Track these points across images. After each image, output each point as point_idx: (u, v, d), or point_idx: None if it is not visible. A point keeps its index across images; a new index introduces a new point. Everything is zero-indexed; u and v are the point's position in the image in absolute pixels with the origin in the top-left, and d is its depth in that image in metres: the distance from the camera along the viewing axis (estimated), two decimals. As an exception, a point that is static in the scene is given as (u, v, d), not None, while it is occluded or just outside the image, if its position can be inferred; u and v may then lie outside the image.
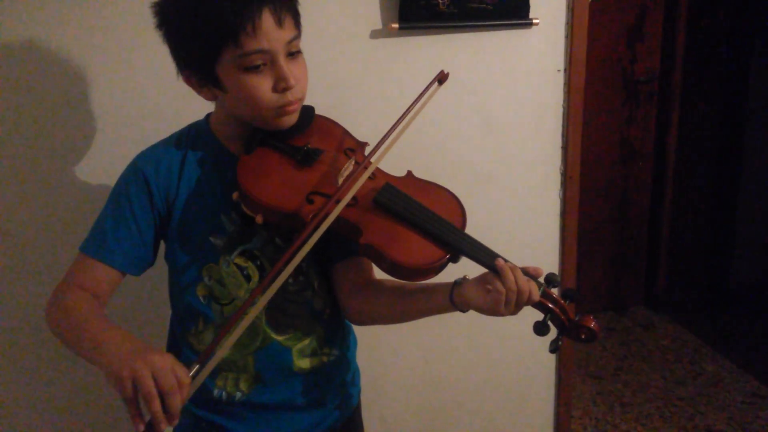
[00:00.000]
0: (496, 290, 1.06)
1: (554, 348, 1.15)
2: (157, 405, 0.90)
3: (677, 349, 3.37)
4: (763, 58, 3.58)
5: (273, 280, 1.02)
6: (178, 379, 0.92)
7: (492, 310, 1.09)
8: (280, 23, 1.08)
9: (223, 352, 1.01)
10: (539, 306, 1.12)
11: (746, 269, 3.86)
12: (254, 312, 1.02)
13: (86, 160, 1.60)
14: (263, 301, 1.03)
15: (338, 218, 1.10)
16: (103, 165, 1.59)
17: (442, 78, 1.29)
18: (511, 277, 1.07)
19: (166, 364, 0.92)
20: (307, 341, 1.27)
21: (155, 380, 0.90)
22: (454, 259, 1.14)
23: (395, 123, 1.19)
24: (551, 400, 2.30)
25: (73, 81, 1.55)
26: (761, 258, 3.86)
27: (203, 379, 0.98)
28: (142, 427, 0.91)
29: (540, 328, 1.13)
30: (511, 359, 2.20)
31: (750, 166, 3.73)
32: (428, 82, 1.27)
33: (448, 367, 2.13)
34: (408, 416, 2.13)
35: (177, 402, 0.91)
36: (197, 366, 0.97)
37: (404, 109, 1.22)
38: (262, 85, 1.10)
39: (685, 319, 3.63)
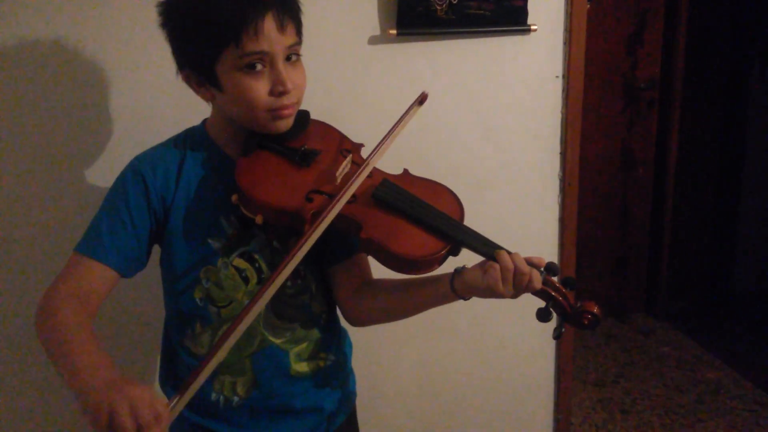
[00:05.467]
0: (495, 269, 1.09)
1: (557, 335, 1.18)
2: None
3: (678, 357, 3.36)
4: (764, 65, 3.58)
5: (275, 279, 1.04)
6: (156, 412, 0.88)
7: (491, 289, 1.10)
8: (282, 28, 1.10)
9: (204, 376, 0.99)
10: (541, 293, 1.15)
11: (748, 277, 3.86)
12: (254, 313, 1.03)
13: (89, 163, 1.60)
14: (263, 301, 1.04)
15: (339, 215, 1.11)
16: (106, 167, 1.59)
17: (422, 99, 1.31)
18: (509, 258, 1.10)
19: (145, 397, 0.88)
20: (304, 345, 1.28)
21: (133, 414, 0.86)
22: (455, 251, 1.16)
23: (375, 148, 1.21)
24: (550, 407, 2.29)
25: (78, 83, 1.56)
26: (763, 265, 3.85)
27: (181, 408, 0.96)
28: None
29: (543, 315, 1.15)
30: (509, 365, 2.19)
31: (751, 172, 3.74)
32: (409, 104, 1.29)
33: (445, 373, 2.13)
34: (404, 422, 2.12)
35: None
36: (177, 398, 0.96)
37: (393, 122, 1.25)
38: (259, 87, 1.12)
39: (687, 326, 3.63)
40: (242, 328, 1.02)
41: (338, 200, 1.11)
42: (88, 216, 1.22)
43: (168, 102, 1.57)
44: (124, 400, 0.86)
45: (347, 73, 1.78)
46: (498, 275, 1.09)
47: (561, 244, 2.14)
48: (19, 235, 1.59)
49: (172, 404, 0.94)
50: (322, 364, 1.31)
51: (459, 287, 1.15)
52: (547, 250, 2.13)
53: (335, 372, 1.35)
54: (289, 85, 1.12)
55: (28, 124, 1.55)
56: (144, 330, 1.70)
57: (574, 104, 2.02)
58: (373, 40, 1.78)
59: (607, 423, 2.85)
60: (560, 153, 2.06)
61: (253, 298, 1.03)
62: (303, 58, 1.20)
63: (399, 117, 1.26)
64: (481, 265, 1.13)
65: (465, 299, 1.17)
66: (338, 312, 1.37)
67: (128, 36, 1.56)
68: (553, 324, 1.19)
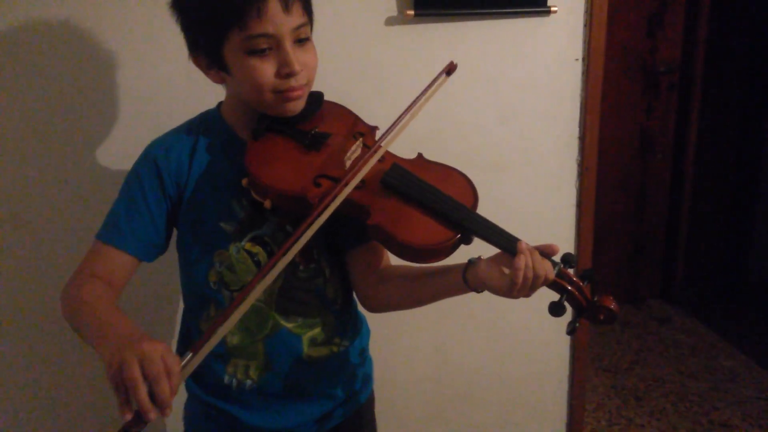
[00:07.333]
0: (511, 271, 1.04)
1: (571, 330, 1.12)
2: (141, 392, 0.85)
3: (693, 344, 3.33)
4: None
5: (276, 262, 1.02)
6: (167, 366, 0.88)
7: (505, 292, 1.08)
8: (287, 8, 1.07)
9: (217, 339, 0.98)
10: (555, 286, 1.10)
11: (765, 264, 3.81)
12: (254, 295, 1.01)
13: (102, 150, 1.60)
14: (264, 283, 1.02)
15: (346, 200, 1.09)
16: (123, 153, 1.57)
17: (450, 69, 1.27)
18: (528, 260, 1.05)
19: (156, 351, 0.88)
20: (317, 330, 1.27)
21: (142, 367, 0.87)
22: (466, 240, 1.12)
23: (401, 114, 1.18)
24: (565, 393, 2.29)
25: (92, 67, 1.55)
26: (781, 253, 3.81)
27: (194, 367, 0.96)
28: (128, 417, 0.86)
29: (556, 309, 1.09)
30: (524, 351, 2.18)
31: (771, 159, 3.68)
32: (437, 73, 1.25)
33: (461, 359, 2.12)
34: (419, 407, 2.13)
35: (164, 390, 0.87)
36: (190, 355, 0.95)
37: (414, 98, 1.21)
38: (265, 69, 1.10)
39: (702, 313, 3.60)
40: (238, 315, 1.01)
41: (344, 185, 1.09)
42: (105, 202, 1.22)
43: (182, 86, 1.56)
44: (134, 353, 0.88)
45: (363, 55, 1.76)
46: (516, 280, 1.03)
47: (578, 230, 2.12)
48: (33, 222, 1.59)
49: (184, 361, 0.94)
50: (336, 349, 1.30)
51: (472, 280, 1.12)
52: (564, 235, 2.12)
53: (350, 358, 1.34)
54: (297, 67, 1.10)
55: (42, 110, 1.54)
56: (160, 317, 1.70)
57: (593, 88, 1.99)
58: (390, 21, 1.75)
59: (621, 409, 2.84)
60: (579, 137, 2.03)
61: (256, 275, 1.02)
62: (318, 39, 1.17)
63: (423, 89, 1.21)
64: (496, 262, 1.10)
65: (478, 292, 1.13)
66: (356, 298, 1.36)
67: (141, 19, 1.54)
68: (567, 318, 1.13)
